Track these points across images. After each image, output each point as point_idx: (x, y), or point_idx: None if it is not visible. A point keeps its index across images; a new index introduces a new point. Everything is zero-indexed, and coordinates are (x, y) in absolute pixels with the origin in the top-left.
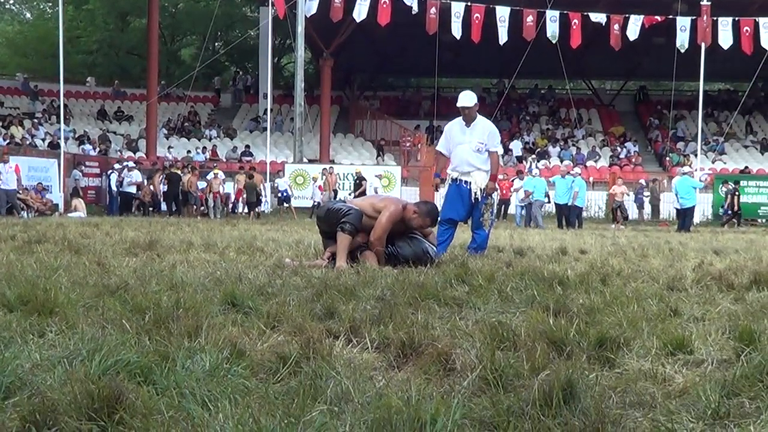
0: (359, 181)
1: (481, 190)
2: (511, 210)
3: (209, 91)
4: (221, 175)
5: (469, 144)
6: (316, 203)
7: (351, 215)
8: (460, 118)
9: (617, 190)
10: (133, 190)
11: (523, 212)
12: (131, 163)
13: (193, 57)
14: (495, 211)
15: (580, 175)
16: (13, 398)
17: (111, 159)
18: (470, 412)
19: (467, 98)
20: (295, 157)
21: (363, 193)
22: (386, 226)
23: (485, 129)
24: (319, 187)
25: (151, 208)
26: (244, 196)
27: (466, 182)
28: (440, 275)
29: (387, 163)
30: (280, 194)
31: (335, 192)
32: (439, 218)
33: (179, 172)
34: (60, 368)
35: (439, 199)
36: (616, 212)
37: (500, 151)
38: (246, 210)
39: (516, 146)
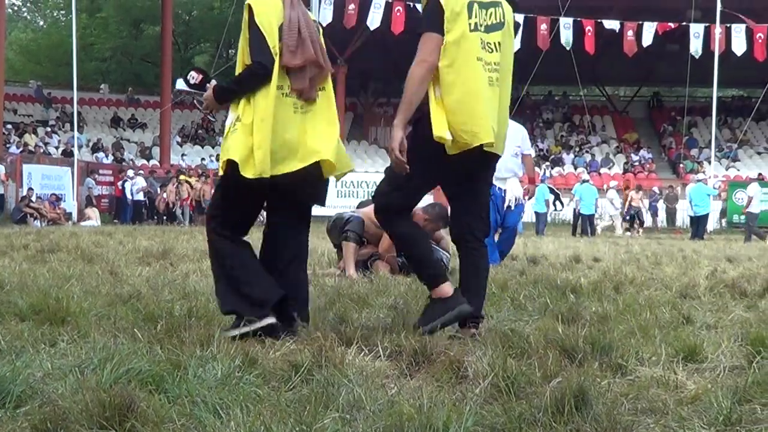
0: None
1: (516, 198)
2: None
3: None
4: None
5: (507, 148)
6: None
7: (352, 223)
8: None
9: (634, 195)
10: (141, 197)
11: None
12: (131, 172)
13: (206, 64)
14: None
15: (588, 181)
16: (24, 407)
17: (125, 167)
18: (482, 420)
19: None
20: None
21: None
22: None
23: (518, 131)
24: None
25: (165, 217)
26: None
27: (499, 188)
28: (454, 283)
29: None
30: None
31: None
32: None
33: (191, 180)
34: (71, 377)
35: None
36: (633, 219)
37: (533, 153)
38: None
39: None
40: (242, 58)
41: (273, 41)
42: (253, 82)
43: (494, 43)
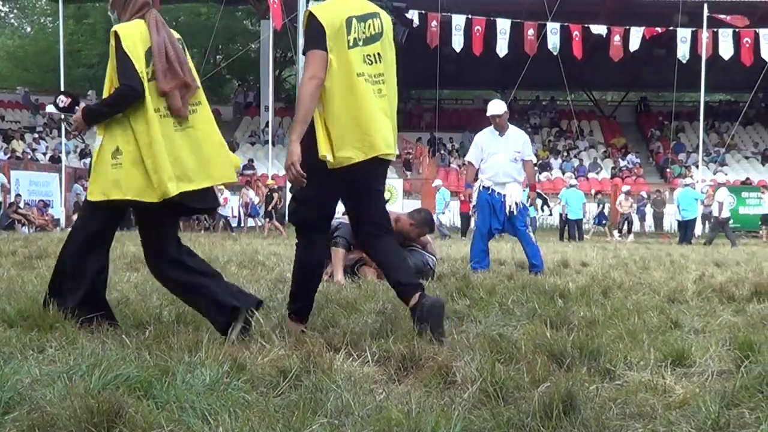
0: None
1: (516, 203)
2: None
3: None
4: None
5: (505, 153)
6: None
7: (341, 229)
8: (491, 127)
9: (623, 201)
10: None
11: None
12: None
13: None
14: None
15: (575, 186)
16: (12, 413)
17: None
18: (471, 425)
19: (497, 106)
20: None
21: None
22: None
23: (519, 137)
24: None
25: None
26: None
27: (499, 193)
28: (441, 288)
29: (389, 176)
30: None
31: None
32: (432, 228)
33: None
34: (60, 383)
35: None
36: (622, 224)
37: (534, 159)
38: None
39: None
40: (109, 83)
41: (140, 66)
42: (122, 103)
43: (374, 54)
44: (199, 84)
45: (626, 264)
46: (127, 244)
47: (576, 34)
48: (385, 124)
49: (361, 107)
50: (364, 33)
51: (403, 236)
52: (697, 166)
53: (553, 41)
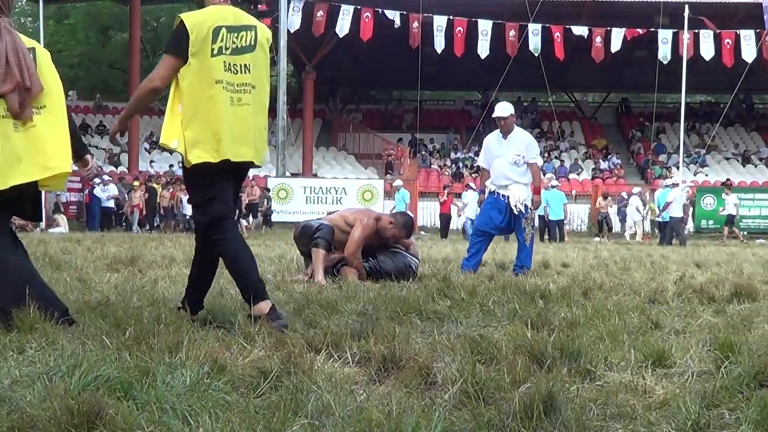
0: None
1: (520, 203)
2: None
3: None
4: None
5: (506, 156)
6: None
7: (322, 230)
8: (498, 130)
9: (602, 202)
10: (111, 204)
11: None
12: (107, 177)
13: None
14: (535, 225)
15: (556, 187)
16: None
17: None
18: (451, 426)
19: (503, 109)
20: (278, 170)
21: None
22: (360, 239)
23: (522, 140)
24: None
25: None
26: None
27: (503, 195)
28: (422, 289)
29: (370, 177)
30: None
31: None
32: (411, 232)
33: (157, 186)
34: (40, 384)
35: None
36: (602, 224)
37: (540, 162)
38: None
39: None
40: None
41: None
42: None
43: (242, 65)
44: (41, 87)
45: (607, 265)
46: (107, 245)
47: (557, 35)
48: (241, 131)
49: (214, 112)
50: (234, 43)
51: (380, 234)
52: (678, 167)
53: (535, 42)
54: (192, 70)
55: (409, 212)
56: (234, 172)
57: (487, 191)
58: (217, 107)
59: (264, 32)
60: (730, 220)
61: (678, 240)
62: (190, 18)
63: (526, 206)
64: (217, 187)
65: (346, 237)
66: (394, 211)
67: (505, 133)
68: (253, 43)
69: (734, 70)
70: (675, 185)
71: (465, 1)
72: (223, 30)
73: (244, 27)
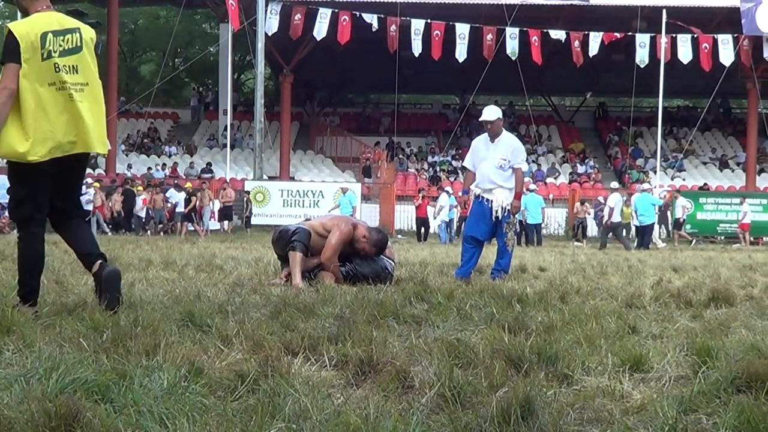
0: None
1: (502, 208)
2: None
3: (169, 107)
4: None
5: (492, 160)
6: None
7: (299, 233)
8: (486, 133)
9: (579, 207)
10: (90, 208)
11: (448, 229)
12: (89, 180)
13: (152, 73)
14: (517, 230)
15: (534, 191)
16: None
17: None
18: (428, 430)
19: (490, 112)
20: (255, 173)
21: None
22: (336, 246)
23: (509, 145)
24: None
25: (110, 226)
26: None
27: (487, 200)
28: (400, 293)
29: (347, 180)
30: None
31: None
32: (383, 251)
33: (134, 189)
34: (17, 387)
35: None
36: (577, 229)
37: (525, 167)
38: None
39: None
40: None
41: None
42: None
43: (71, 65)
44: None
45: (584, 269)
46: None
47: (535, 39)
48: (79, 125)
49: (51, 112)
50: (61, 46)
51: (351, 244)
52: (655, 172)
53: (512, 46)
54: (26, 74)
55: (382, 229)
56: (67, 166)
57: (471, 194)
58: (53, 107)
59: (88, 32)
60: (678, 222)
61: (622, 244)
62: (18, 27)
63: (507, 211)
64: (33, 187)
65: (323, 242)
66: (357, 220)
67: (493, 137)
68: (79, 44)
69: (712, 74)
70: (614, 190)
71: (442, 5)
72: (50, 35)
73: (69, 30)
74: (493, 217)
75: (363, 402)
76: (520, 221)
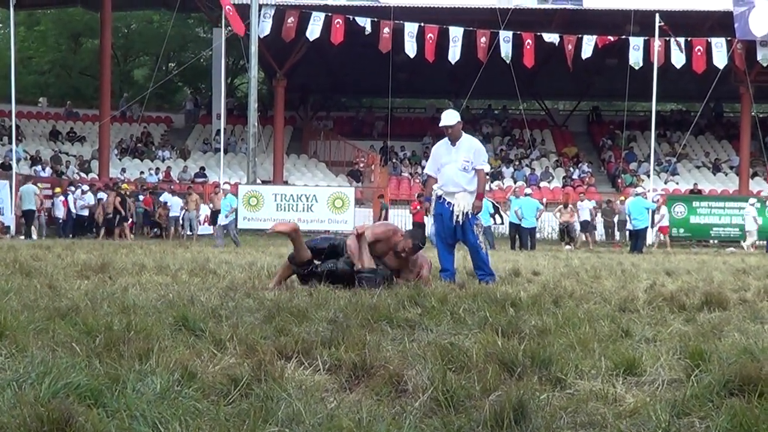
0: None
1: (463, 213)
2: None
3: (162, 112)
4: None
5: (455, 163)
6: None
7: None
8: (447, 138)
9: (564, 211)
10: (86, 213)
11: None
12: (86, 186)
13: (146, 77)
14: (482, 230)
15: (529, 195)
16: None
17: (64, 180)
18: None
19: (449, 117)
20: (249, 178)
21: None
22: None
23: (470, 147)
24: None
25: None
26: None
27: (448, 203)
28: (393, 297)
29: (341, 184)
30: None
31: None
32: (421, 243)
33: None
34: (9, 391)
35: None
36: (563, 234)
37: (486, 168)
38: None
39: None
40: None
41: None
42: None
43: None
44: None
45: (577, 273)
46: (78, 252)
47: (528, 42)
48: None
49: None
50: None
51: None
52: (649, 176)
53: (506, 49)
54: None
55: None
56: None
57: (434, 196)
58: None
59: None
60: (584, 225)
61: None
62: None
63: (471, 214)
64: None
65: (383, 246)
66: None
67: (454, 141)
68: None
69: (705, 77)
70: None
71: (436, 8)
72: None
73: None
74: (454, 221)
75: (356, 406)
76: (514, 224)
